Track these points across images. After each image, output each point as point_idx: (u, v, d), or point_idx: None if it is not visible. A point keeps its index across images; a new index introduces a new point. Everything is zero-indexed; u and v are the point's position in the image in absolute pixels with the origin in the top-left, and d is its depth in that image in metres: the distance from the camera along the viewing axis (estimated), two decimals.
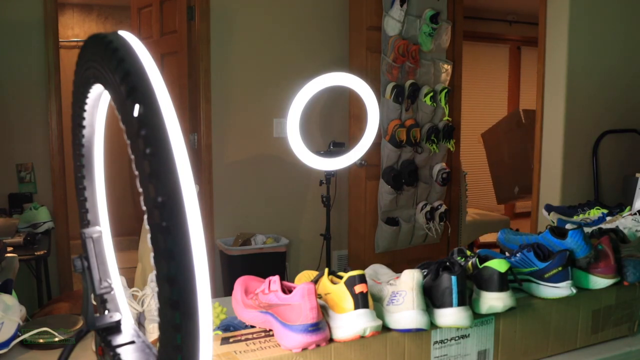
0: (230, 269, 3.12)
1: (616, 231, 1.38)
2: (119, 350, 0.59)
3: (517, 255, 1.25)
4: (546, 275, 1.20)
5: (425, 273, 1.10)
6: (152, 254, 0.44)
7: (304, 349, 0.95)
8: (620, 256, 1.29)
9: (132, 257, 2.04)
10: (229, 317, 1.21)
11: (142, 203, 0.44)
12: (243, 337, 1.02)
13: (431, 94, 3.51)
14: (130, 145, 0.45)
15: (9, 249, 2.21)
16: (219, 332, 1.07)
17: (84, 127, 0.62)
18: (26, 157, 3.02)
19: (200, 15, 3.23)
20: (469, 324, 1.04)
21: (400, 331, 1.02)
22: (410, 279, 1.02)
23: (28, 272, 2.63)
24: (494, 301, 1.10)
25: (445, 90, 3.60)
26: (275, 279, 1.03)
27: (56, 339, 1.22)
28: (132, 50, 0.48)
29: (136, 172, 0.45)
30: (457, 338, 1.10)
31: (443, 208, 3.70)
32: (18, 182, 3.01)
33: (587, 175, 3.47)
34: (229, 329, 1.14)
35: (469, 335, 1.11)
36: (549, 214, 1.89)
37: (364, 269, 1.09)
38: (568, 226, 1.58)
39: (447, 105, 3.60)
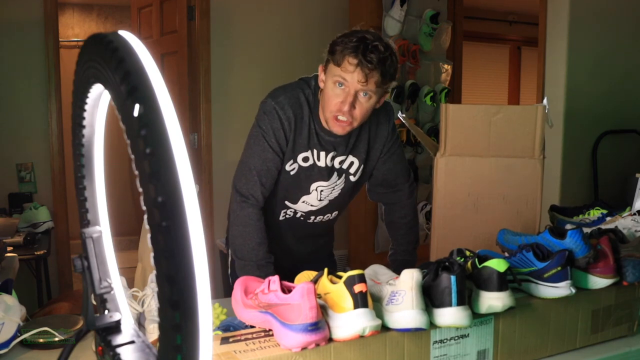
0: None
1: (615, 231, 1.38)
2: (118, 350, 0.59)
3: (517, 255, 1.25)
4: (545, 275, 1.20)
5: (424, 273, 1.10)
6: (152, 254, 0.44)
7: (304, 348, 0.95)
8: (619, 256, 1.29)
9: (132, 257, 2.03)
10: (229, 317, 1.21)
11: (142, 203, 0.44)
12: (243, 337, 1.02)
13: (431, 94, 3.51)
14: (130, 145, 0.45)
15: (9, 248, 2.21)
16: (219, 332, 1.07)
17: (84, 127, 0.62)
18: (26, 157, 3.02)
19: (200, 15, 3.23)
20: (468, 323, 1.04)
21: (399, 331, 1.02)
22: (410, 279, 1.02)
23: (28, 272, 2.63)
24: (493, 301, 1.10)
25: (446, 91, 3.60)
26: (274, 279, 1.03)
27: (56, 339, 1.22)
28: (132, 50, 0.48)
29: (136, 172, 0.45)
30: (456, 338, 1.10)
31: None
32: (18, 182, 3.01)
33: (587, 175, 3.47)
34: (229, 329, 1.13)
35: (468, 335, 1.11)
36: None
37: (363, 269, 1.09)
38: (567, 226, 1.58)
39: None
